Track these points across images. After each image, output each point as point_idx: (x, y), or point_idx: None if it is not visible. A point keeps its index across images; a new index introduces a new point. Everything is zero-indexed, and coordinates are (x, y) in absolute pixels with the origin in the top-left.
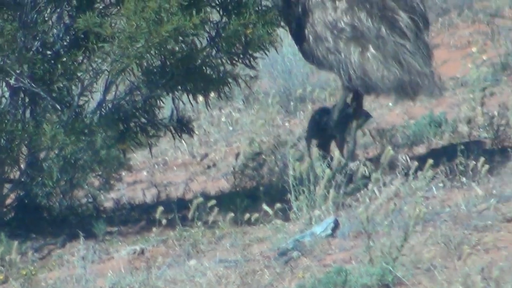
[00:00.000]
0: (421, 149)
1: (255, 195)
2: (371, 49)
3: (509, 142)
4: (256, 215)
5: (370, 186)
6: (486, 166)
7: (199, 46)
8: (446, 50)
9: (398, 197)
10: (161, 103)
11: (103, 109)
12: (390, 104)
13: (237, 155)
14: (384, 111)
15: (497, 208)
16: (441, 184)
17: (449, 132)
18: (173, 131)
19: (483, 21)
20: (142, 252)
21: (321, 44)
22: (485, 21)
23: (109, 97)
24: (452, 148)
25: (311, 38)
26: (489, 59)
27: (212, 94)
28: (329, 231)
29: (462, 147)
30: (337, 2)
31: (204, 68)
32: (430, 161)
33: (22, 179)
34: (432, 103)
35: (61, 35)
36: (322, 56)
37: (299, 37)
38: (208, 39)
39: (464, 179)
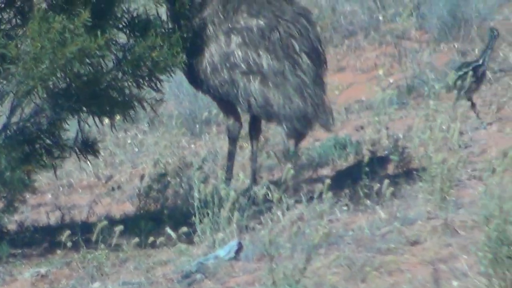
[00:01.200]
0: (325, 171)
1: (160, 218)
2: (272, 81)
3: (414, 164)
4: (160, 238)
5: (273, 209)
6: (391, 189)
7: (105, 68)
8: (352, 73)
9: (302, 220)
10: (67, 125)
11: (8, 131)
12: None
13: (142, 176)
14: None
15: (401, 231)
16: (345, 207)
17: (353, 154)
18: (78, 153)
19: (390, 44)
20: (46, 274)
21: (217, 75)
22: (392, 43)
23: (14, 119)
24: (357, 170)
25: (208, 68)
26: (395, 81)
27: (117, 117)
28: (233, 254)
29: (367, 169)
30: (232, 36)
31: (109, 91)
32: (328, 181)
33: None
34: (337, 126)
35: None
36: (218, 85)
37: (193, 66)
38: (114, 61)
39: (368, 202)
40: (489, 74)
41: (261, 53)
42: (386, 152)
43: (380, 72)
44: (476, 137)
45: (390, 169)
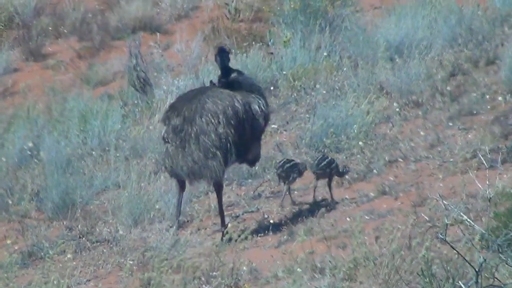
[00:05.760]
0: None
1: None
2: None
3: None
4: None
5: None
6: None
7: None
8: None
9: None
10: None
11: None
12: None
13: None
14: None
15: None
16: None
17: None
18: None
19: (16, 221)
20: None
21: None
22: (17, 220)
23: None
24: None
25: None
26: (20, 248)
27: None
28: None
29: None
30: None
31: None
32: None
33: None
34: None
35: None
36: None
37: None
38: None
39: None
40: (89, 243)
41: None
42: None
43: (9, 241)
44: None
45: None
